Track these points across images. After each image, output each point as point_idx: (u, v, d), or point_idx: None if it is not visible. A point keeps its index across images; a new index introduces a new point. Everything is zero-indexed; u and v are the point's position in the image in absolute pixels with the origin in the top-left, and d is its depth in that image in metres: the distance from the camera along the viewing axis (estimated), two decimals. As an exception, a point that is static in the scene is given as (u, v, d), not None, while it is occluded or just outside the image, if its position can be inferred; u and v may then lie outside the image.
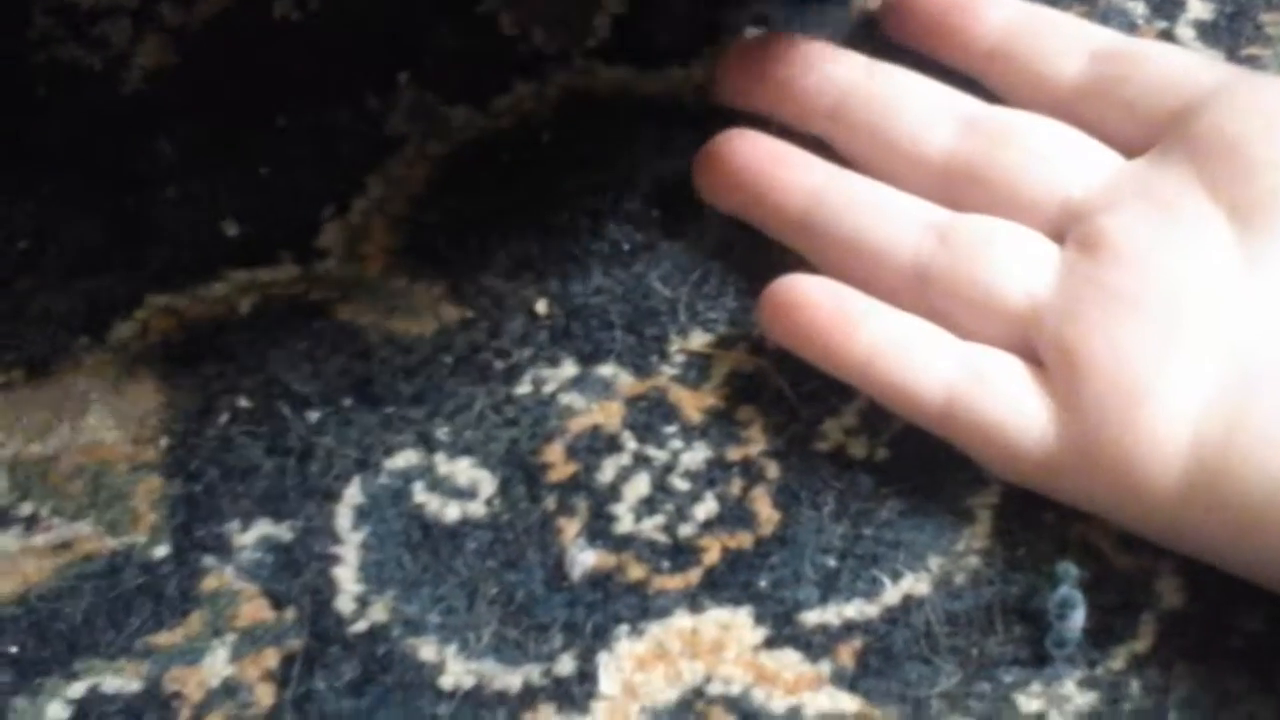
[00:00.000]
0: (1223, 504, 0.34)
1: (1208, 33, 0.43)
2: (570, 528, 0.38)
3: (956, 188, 0.39)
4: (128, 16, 0.45)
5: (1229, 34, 0.43)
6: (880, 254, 0.39)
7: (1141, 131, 0.39)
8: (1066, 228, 0.38)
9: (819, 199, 0.40)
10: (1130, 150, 0.39)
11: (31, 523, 0.38)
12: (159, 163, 0.43)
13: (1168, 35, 0.43)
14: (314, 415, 0.40)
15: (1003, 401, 0.37)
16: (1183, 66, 0.39)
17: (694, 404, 0.40)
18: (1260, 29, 0.43)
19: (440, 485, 0.39)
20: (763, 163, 0.40)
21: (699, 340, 0.41)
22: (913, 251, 0.39)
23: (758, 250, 0.41)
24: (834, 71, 0.41)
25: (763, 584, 0.37)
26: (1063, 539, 0.37)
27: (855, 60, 0.41)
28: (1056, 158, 0.39)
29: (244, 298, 0.41)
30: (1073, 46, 0.40)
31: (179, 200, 0.43)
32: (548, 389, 0.40)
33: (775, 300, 0.39)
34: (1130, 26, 0.43)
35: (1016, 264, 0.38)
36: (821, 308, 0.38)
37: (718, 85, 0.42)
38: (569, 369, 0.40)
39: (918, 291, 0.39)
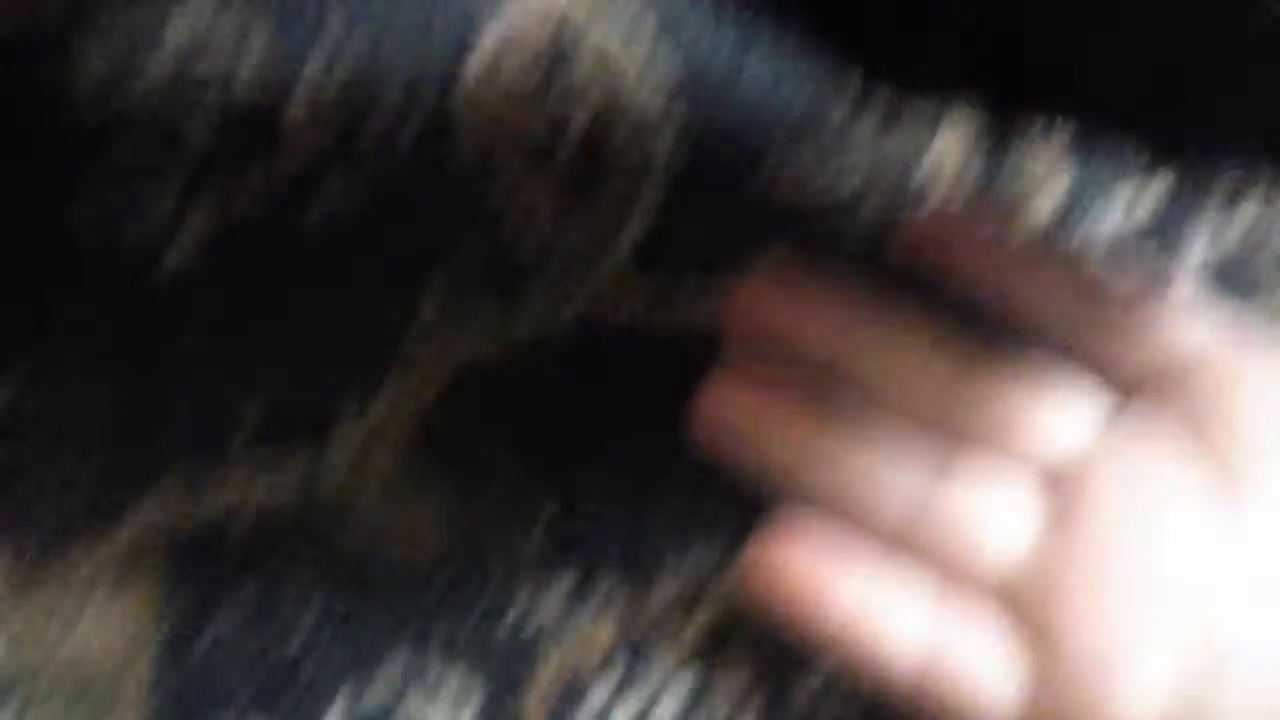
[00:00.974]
0: None
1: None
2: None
3: (947, 431, 0.39)
4: (170, 198, 0.47)
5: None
6: (870, 499, 0.39)
7: (1129, 378, 0.39)
8: (1052, 484, 0.38)
9: (808, 448, 0.40)
10: (1126, 389, 0.39)
11: (15, 721, 0.39)
12: (185, 346, 0.44)
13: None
14: (308, 623, 0.40)
15: (975, 672, 0.37)
16: (1177, 318, 0.39)
17: (677, 645, 0.40)
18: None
19: (428, 703, 0.39)
20: (755, 410, 0.41)
21: (689, 577, 0.41)
22: (903, 498, 0.39)
23: (756, 490, 0.41)
24: (824, 321, 0.41)
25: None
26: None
27: (858, 300, 0.41)
28: (1046, 410, 0.39)
29: (250, 496, 0.42)
30: (1068, 280, 0.40)
31: (199, 386, 0.44)
32: (538, 614, 0.41)
33: (755, 558, 0.39)
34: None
35: (1001, 521, 0.38)
36: (800, 569, 0.39)
37: (726, 319, 0.42)
38: (561, 596, 0.41)
39: (903, 537, 0.39)
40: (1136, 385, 0.39)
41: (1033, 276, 0.40)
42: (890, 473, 0.39)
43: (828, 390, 0.41)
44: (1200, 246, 0.43)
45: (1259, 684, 0.35)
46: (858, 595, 0.38)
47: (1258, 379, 0.37)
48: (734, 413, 0.41)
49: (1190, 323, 0.39)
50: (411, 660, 0.40)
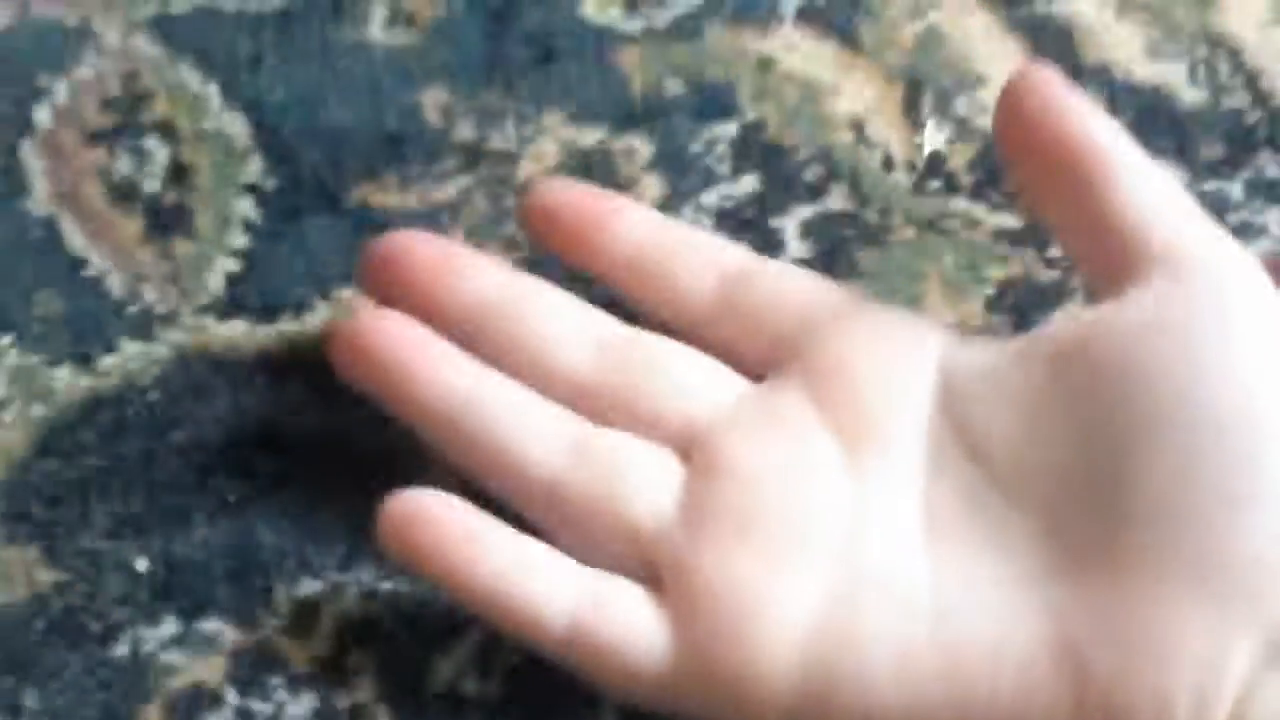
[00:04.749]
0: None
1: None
2: (164, 792, 0.36)
3: (589, 408, 0.39)
4: None
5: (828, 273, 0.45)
6: (518, 464, 0.38)
7: (767, 353, 0.40)
8: (691, 450, 0.39)
9: (465, 400, 0.39)
10: (759, 371, 0.40)
11: None
12: None
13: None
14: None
15: (622, 627, 0.37)
16: (805, 290, 0.41)
17: (301, 653, 0.39)
18: (855, 266, 0.44)
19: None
20: (411, 350, 0.39)
21: (308, 588, 0.39)
22: (549, 464, 0.38)
23: (365, 494, 0.39)
24: (473, 284, 0.40)
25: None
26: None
27: (496, 273, 0.41)
28: (684, 382, 0.40)
29: None
30: (705, 266, 0.41)
31: None
32: (146, 649, 0.39)
33: (398, 516, 0.38)
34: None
35: (645, 484, 0.38)
36: (447, 526, 0.37)
37: (361, 283, 0.41)
38: (170, 627, 0.39)
39: (549, 504, 0.38)
40: (771, 359, 0.40)
41: (658, 265, 0.41)
42: (533, 437, 0.39)
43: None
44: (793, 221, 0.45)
45: (893, 606, 0.35)
46: (507, 556, 0.37)
47: (874, 342, 0.39)
48: (390, 345, 0.39)
49: (817, 292, 0.41)
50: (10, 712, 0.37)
